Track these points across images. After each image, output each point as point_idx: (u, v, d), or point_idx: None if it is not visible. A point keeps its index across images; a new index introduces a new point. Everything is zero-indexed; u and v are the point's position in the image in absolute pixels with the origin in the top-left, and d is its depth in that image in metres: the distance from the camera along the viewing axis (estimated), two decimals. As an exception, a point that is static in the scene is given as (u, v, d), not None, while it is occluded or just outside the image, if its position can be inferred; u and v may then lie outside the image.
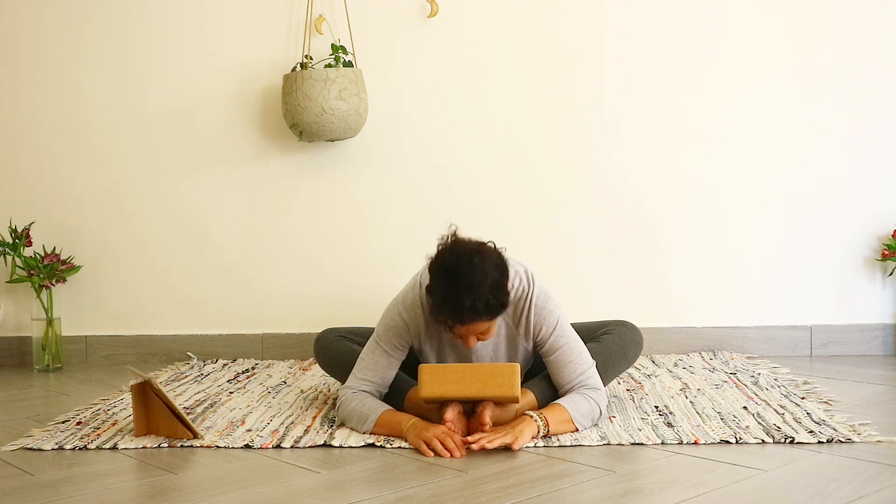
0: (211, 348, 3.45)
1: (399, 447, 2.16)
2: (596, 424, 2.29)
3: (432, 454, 2.09)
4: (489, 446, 2.09)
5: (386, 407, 2.27)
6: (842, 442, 2.13)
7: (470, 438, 2.12)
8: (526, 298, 2.30)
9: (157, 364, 3.41)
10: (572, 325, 2.47)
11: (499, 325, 2.32)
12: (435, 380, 2.18)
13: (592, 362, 2.34)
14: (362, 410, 2.26)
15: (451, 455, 2.08)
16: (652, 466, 2.00)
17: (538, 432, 2.16)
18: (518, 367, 2.19)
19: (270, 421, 2.43)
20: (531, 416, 2.18)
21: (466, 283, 2.08)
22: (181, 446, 2.21)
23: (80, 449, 2.21)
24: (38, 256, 3.35)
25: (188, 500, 1.83)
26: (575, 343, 2.32)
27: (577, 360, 2.30)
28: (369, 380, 2.32)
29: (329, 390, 2.80)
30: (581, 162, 3.38)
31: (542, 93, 3.38)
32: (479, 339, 2.21)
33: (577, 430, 2.23)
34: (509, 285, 2.19)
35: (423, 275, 2.28)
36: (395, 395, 2.41)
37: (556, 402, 2.26)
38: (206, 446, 2.20)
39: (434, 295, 2.13)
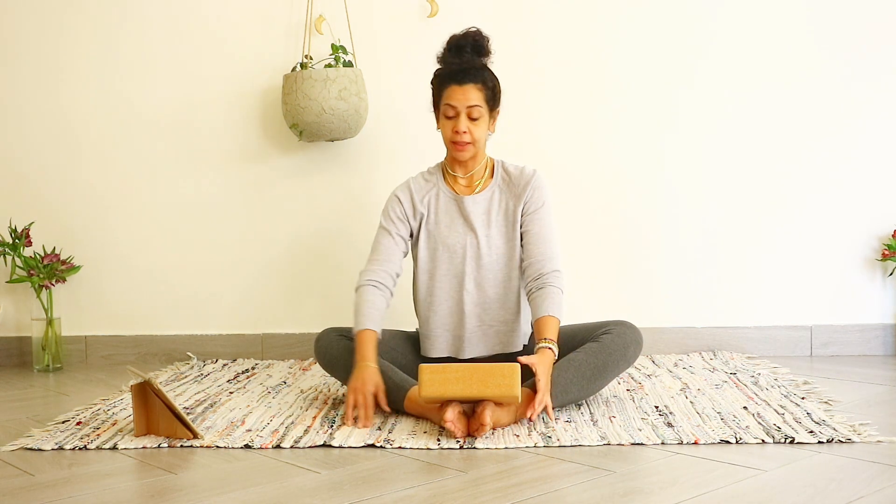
0: (211, 348, 3.45)
1: (399, 447, 2.16)
2: None
3: (349, 415, 2.35)
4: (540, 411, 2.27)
5: (368, 327, 2.47)
6: (842, 442, 2.13)
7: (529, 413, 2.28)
8: (531, 171, 2.64)
9: (157, 364, 3.40)
10: (571, 325, 2.56)
11: (492, 191, 2.62)
12: (435, 380, 2.18)
13: (560, 255, 2.55)
14: (358, 317, 2.50)
15: (354, 424, 2.33)
16: (652, 466, 2.00)
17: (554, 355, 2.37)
18: (518, 367, 2.19)
19: (270, 421, 2.43)
20: (549, 349, 2.35)
21: (469, 58, 2.55)
22: (181, 446, 2.21)
23: (80, 449, 2.21)
24: (38, 256, 3.35)
25: (188, 500, 1.83)
26: (554, 229, 2.59)
27: (552, 238, 2.56)
28: (378, 260, 2.60)
29: (329, 390, 2.80)
30: (581, 161, 3.39)
31: (540, 92, 3.38)
32: (468, 129, 2.50)
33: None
34: (516, 163, 2.66)
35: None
36: (396, 394, 2.41)
37: (547, 314, 2.41)
38: (206, 446, 2.20)
39: (441, 61, 2.58)
